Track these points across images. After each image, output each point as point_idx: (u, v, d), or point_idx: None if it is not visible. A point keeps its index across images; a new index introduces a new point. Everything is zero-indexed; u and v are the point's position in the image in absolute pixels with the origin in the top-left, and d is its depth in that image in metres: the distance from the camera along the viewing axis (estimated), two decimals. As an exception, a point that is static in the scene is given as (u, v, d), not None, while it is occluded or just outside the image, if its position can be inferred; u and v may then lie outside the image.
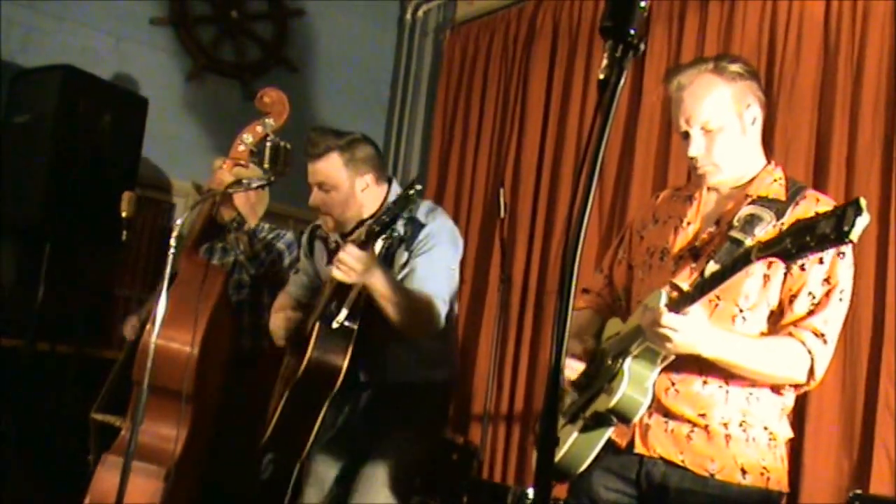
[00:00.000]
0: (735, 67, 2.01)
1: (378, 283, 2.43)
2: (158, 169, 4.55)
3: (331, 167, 2.66)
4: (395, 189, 2.77)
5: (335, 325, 2.51)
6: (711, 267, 1.80)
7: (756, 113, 2.03)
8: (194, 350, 2.76)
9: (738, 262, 1.72)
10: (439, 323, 2.55)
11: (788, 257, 1.62)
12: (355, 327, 2.52)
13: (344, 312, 2.51)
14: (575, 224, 1.16)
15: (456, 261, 2.70)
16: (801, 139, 3.38)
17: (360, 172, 2.69)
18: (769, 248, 1.64)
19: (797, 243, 1.57)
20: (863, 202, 1.48)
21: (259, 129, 2.93)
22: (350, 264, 2.38)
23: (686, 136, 2.02)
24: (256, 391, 2.68)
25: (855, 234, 1.48)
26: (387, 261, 2.63)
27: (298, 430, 2.56)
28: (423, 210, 2.69)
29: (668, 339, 1.80)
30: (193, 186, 3.74)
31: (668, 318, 1.77)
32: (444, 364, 2.79)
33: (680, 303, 1.79)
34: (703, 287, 1.78)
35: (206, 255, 3.37)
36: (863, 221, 1.47)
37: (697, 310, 1.79)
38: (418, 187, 2.34)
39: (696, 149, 2.01)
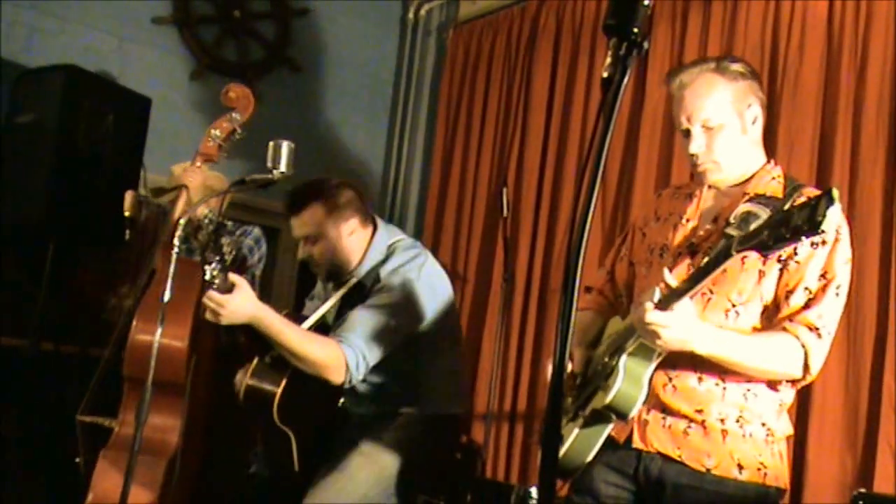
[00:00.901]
0: (737, 67, 2.03)
1: (258, 326, 2.45)
2: (161, 168, 4.55)
3: (314, 218, 2.66)
4: (382, 229, 2.76)
5: (267, 359, 2.58)
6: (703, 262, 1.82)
7: (757, 113, 2.05)
8: (183, 343, 2.77)
9: (719, 255, 1.75)
10: (338, 370, 2.48)
11: (766, 249, 1.64)
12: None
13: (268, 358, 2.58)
14: (578, 222, 1.16)
15: (406, 314, 2.60)
16: (805, 137, 3.38)
17: (344, 217, 2.68)
18: (748, 242, 1.67)
19: (773, 235, 1.60)
20: (835, 193, 1.51)
21: (226, 124, 2.92)
22: (210, 308, 2.39)
23: (687, 133, 2.04)
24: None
25: (827, 224, 1.51)
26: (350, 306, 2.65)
27: (281, 449, 2.62)
28: (390, 265, 2.65)
29: (657, 335, 1.82)
30: (151, 192, 3.71)
31: (652, 316, 1.79)
32: (425, 398, 2.73)
33: (669, 298, 1.80)
34: (690, 283, 1.79)
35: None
36: (835, 211, 1.51)
37: (686, 304, 1.81)
38: None
39: (696, 146, 2.02)
